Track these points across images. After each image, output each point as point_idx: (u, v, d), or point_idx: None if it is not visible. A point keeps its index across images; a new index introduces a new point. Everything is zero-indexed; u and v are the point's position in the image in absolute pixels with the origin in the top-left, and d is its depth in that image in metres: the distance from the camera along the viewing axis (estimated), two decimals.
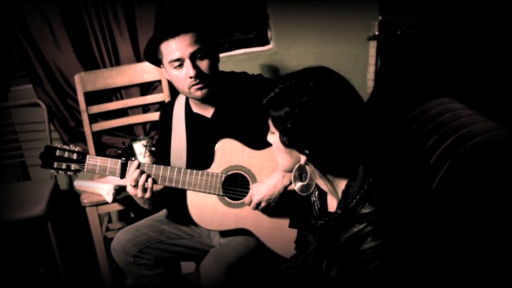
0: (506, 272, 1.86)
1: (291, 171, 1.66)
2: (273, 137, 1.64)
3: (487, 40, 2.84)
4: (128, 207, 3.17)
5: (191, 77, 2.25)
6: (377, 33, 3.66)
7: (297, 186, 1.66)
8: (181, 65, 2.26)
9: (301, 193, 1.67)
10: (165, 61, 2.29)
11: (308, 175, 1.63)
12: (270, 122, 1.62)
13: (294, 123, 1.52)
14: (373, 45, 3.68)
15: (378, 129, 1.66)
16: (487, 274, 1.87)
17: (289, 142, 1.57)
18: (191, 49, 2.23)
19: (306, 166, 1.61)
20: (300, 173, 1.65)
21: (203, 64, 2.27)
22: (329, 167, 1.62)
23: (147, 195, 2.29)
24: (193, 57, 2.24)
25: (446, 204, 1.92)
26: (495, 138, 1.98)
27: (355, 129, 1.55)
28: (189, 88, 2.29)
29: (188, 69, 2.24)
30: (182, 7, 2.30)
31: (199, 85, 2.28)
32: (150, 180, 2.28)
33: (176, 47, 2.23)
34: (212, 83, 2.31)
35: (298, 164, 1.62)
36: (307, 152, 1.55)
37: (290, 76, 1.58)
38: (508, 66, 2.73)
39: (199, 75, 2.26)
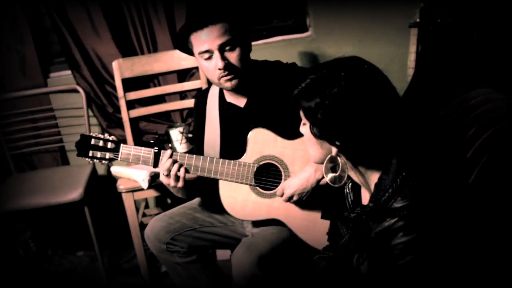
0: None
1: (322, 163, 1.64)
2: (305, 128, 1.62)
3: None
4: (164, 193, 3.19)
5: (220, 69, 2.23)
6: (418, 20, 3.58)
7: (328, 177, 1.63)
8: (210, 57, 2.25)
9: (333, 185, 1.64)
10: (195, 52, 2.28)
11: (340, 167, 1.60)
12: (301, 113, 1.59)
13: (325, 114, 1.49)
14: (414, 32, 3.60)
15: (414, 121, 1.61)
16: None
17: (319, 133, 1.54)
18: (219, 41, 2.20)
19: (338, 158, 1.58)
20: (333, 165, 1.62)
21: (233, 56, 2.24)
22: (360, 159, 1.59)
23: (180, 184, 2.30)
24: (222, 49, 2.22)
25: (482, 199, 1.87)
26: None
27: (388, 121, 1.52)
28: (219, 79, 2.28)
29: (217, 61, 2.22)
30: None
31: (228, 77, 2.26)
32: (182, 169, 2.29)
33: (205, 39, 2.21)
34: (242, 73, 2.29)
35: (329, 156, 1.59)
36: (338, 143, 1.52)
37: (322, 66, 1.55)
38: None
39: (228, 67, 2.24)
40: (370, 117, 1.48)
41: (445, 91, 2.56)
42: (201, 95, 2.60)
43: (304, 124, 1.62)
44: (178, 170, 2.28)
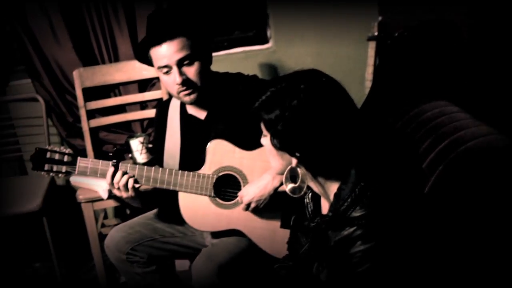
0: (497, 276, 1.86)
1: (283, 174, 1.66)
2: (265, 139, 1.64)
3: (485, 43, 2.84)
4: (123, 203, 3.18)
5: (178, 84, 2.24)
6: (376, 33, 3.65)
7: (288, 187, 1.66)
8: (169, 71, 2.25)
9: (293, 195, 1.67)
10: (155, 66, 2.29)
11: (300, 177, 1.63)
12: (262, 125, 1.62)
13: (284, 126, 1.52)
14: (372, 45, 3.67)
15: (372, 132, 1.66)
16: (478, 278, 1.88)
17: (280, 144, 1.57)
18: (177, 56, 2.21)
19: (298, 169, 1.61)
20: (292, 175, 1.65)
21: (191, 70, 2.25)
22: (320, 170, 1.62)
23: (130, 194, 2.31)
24: (180, 64, 2.23)
25: (438, 208, 1.92)
26: (488, 142, 1.98)
27: (346, 133, 1.55)
28: (178, 93, 2.29)
29: (175, 76, 2.23)
30: (169, 12, 2.28)
31: (187, 91, 2.28)
32: (131, 180, 2.28)
33: (163, 54, 2.22)
34: (202, 87, 2.30)
35: (289, 166, 1.62)
36: (298, 154, 1.55)
37: (282, 79, 1.58)
38: (504, 70, 2.72)
39: (186, 82, 2.25)
40: (328, 128, 1.52)
41: (401, 104, 2.62)
42: (162, 106, 2.61)
43: (264, 135, 1.64)
44: (127, 181, 2.28)
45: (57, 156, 2.32)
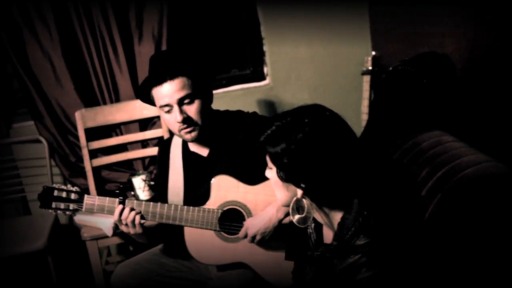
0: None
1: (289, 205, 1.71)
2: (271, 172, 1.69)
3: (476, 74, 2.92)
4: (127, 240, 3.21)
5: (179, 122, 2.30)
6: (370, 68, 3.75)
7: (295, 218, 1.70)
8: (170, 110, 2.32)
9: (299, 225, 1.71)
10: (157, 105, 2.36)
11: (306, 208, 1.68)
12: (267, 158, 1.67)
13: (290, 159, 1.58)
14: (366, 79, 3.77)
15: (372, 163, 1.71)
16: None
17: (286, 176, 1.62)
18: (178, 95, 2.28)
19: (303, 200, 1.66)
20: (298, 206, 1.70)
21: (192, 109, 2.32)
22: (325, 200, 1.67)
23: (138, 230, 2.35)
24: (180, 103, 2.29)
25: (438, 235, 1.97)
26: (485, 170, 2.03)
27: (350, 164, 1.61)
28: (179, 131, 2.35)
29: (176, 115, 2.29)
30: (169, 53, 2.35)
31: (188, 129, 2.34)
32: (137, 216, 2.32)
33: (165, 93, 2.28)
34: (202, 125, 2.36)
35: (295, 198, 1.67)
36: (304, 186, 1.61)
37: (286, 114, 1.65)
38: (497, 100, 2.80)
39: (187, 120, 2.31)
40: (333, 160, 1.58)
41: (398, 135, 2.67)
42: (164, 144, 2.66)
43: (270, 168, 1.69)
44: (134, 217, 2.32)
45: (64, 194, 2.37)
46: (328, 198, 1.66)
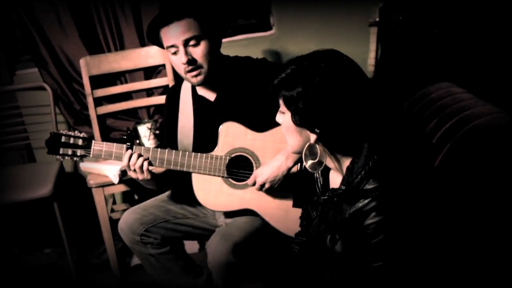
0: (503, 249, 1.92)
1: (299, 152, 1.72)
2: (283, 117, 1.69)
3: (487, 25, 2.90)
4: (133, 188, 3.23)
5: (184, 64, 2.30)
6: (377, 19, 3.70)
7: (308, 163, 1.71)
8: (176, 52, 2.32)
9: (312, 171, 1.72)
10: (164, 46, 2.36)
11: (319, 153, 1.68)
12: (281, 102, 1.66)
13: (306, 103, 1.58)
14: (373, 31, 3.71)
15: (383, 109, 1.71)
16: (482, 249, 1.94)
17: (300, 121, 1.62)
18: (184, 36, 2.27)
19: (316, 145, 1.66)
20: (311, 152, 1.70)
21: (197, 51, 2.31)
22: (337, 145, 1.68)
23: (146, 176, 2.35)
24: (186, 44, 2.29)
25: (446, 184, 1.98)
26: (495, 120, 2.04)
27: (363, 109, 1.61)
28: (185, 73, 2.35)
29: (181, 56, 2.30)
30: None
31: (194, 72, 2.34)
32: (146, 163, 2.33)
33: (171, 34, 2.29)
34: (208, 69, 2.35)
35: (308, 143, 1.67)
36: (318, 131, 1.61)
37: (302, 58, 1.64)
38: (507, 52, 2.78)
39: (192, 62, 2.31)
40: (348, 104, 1.57)
41: (406, 86, 2.67)
42: (173, 88, 2.66)
43: (282, 113, 1.69)
44: (142, 164, 2.33)
45: (71, 140, 2.37)
46: (340, 143, 1.66)
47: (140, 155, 2.33)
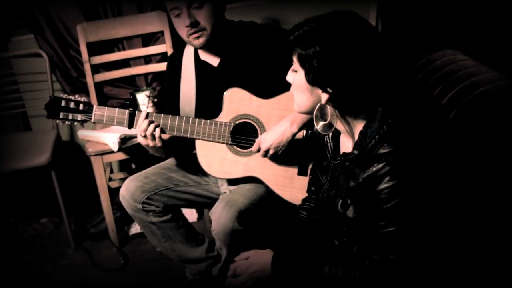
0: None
1: (306, 112, 1.69)
2: (295, 75, 1.66)
3: None
4: (131, 156, 3.20)
5: (187, 26, 2.27)
6: None
7: (319, 125, 1.68)
8: (179, 14, 2.28)
9: (323, 133, 1.70)
10: (168, 8, 2.32)
11: (329, 115, 1.66)
12: (295, 59, 1.63)
13: (321, 61, 1.55)
14: (373, 6, 3.69)
15: (397, 74, 1.69)
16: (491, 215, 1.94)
17: (313, 80, 1.59)
18: None
19: (327, 106, 1.64)
20: (321, 113, 1.68)
21: (200, 14, 2.27)
22: (349, 107, 1.65)
23: (157, 143, 2.32)
24: (189, 6, 2.26)
25: (459, 147, 1.97)
26: (501, 87, 2.03)
27: (378, 70, 1.59)
28: (188, 36, 2.32)
29: (184, 18, 2.27)
30: None
31: (196, 34, 2.30)
32: (158, 129, 2.30)
33: None
34: (211, 32, 2.32)
35: (319, 104, 1.65)
36: (330, 90, 1.58)
37: (318, 17, 1.61)
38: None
39: (195, 24, 2.28)
40: (363, 65, 1.55)
41: (410, 53, 2.65)
42: (175, 54, 2.62)
43: (294, 71, 1.66)
44: (154, 130, 2.30)
45: (72, 105, 2.32)
46: (352, 105, 1.64)
47: (151, 122, 2.30)
